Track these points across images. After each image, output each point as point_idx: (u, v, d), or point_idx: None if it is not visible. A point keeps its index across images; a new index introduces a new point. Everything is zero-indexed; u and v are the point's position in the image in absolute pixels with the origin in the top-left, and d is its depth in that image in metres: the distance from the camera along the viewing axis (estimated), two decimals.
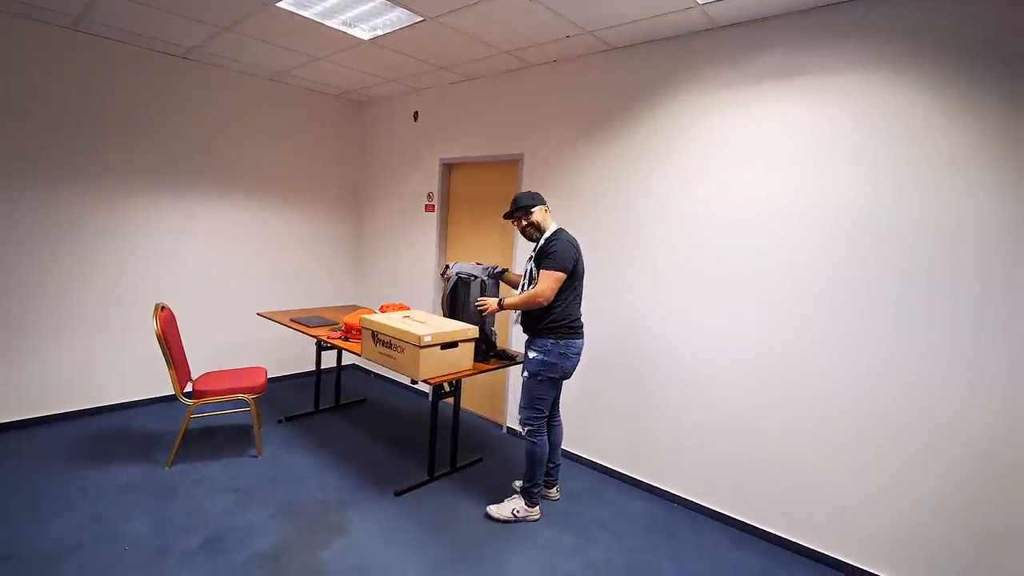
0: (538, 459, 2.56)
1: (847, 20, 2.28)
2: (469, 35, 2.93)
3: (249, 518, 2.49)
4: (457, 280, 2.93)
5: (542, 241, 2.52)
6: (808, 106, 2.39)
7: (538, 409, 2.54)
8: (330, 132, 4.61)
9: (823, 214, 2.36)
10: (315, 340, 3.59)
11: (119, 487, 2.69)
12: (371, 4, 2.61)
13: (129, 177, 3.55)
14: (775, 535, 2.54)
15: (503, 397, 3.75)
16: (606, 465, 3.17)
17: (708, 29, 2.66)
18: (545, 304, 2.44)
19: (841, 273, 2.33)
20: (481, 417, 3.97)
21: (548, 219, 2.58)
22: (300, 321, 3.42)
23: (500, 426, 3.79)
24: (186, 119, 3.76)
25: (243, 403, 3.08)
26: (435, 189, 4.12)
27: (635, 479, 3.04)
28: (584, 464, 3.24)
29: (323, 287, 4.71)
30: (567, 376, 2.56)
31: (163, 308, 2.92)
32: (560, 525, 2.59)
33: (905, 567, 2.21)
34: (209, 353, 3.95)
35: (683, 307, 2.82)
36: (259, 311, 3.87)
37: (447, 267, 3.03)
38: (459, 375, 2.65)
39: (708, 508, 2.76)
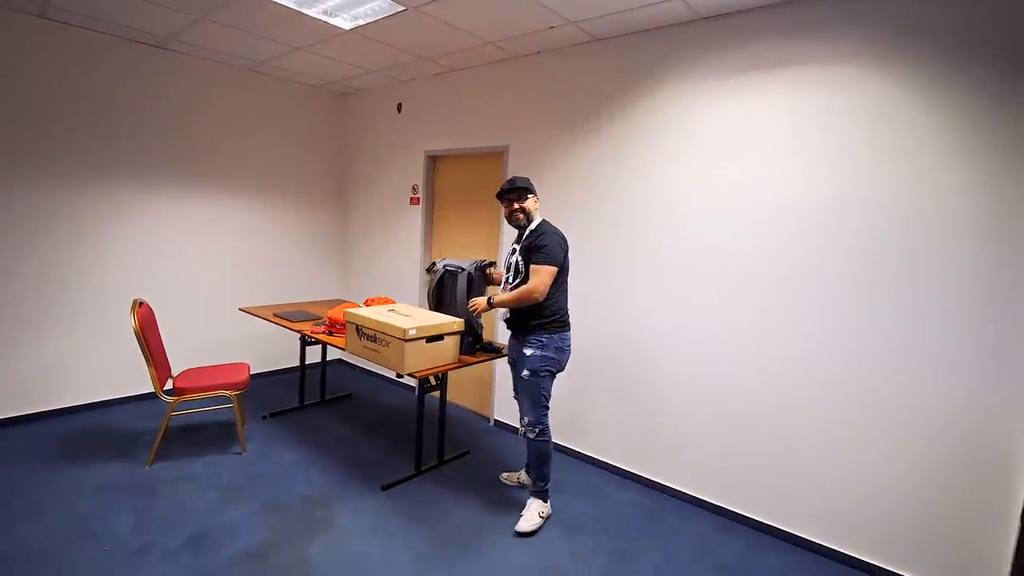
0: (549, 456, 2.53)
1: (827, 13, 2.30)
2: (452, 25, 2.90)
3: (233, 515, 2.46)
4: (444, 272, 2.91)
5: (527, 232, 2.47)
6: (789, 98, 2.41)
7: (544, 406, 2.48)
8: (313, 124, 4.54)
9: (803, 205, 2.39)
10: (299, 335, 3.55)
11: (98, 486, 2.64)
12: None
13: (104, 170, 3.46)
14: (759, 521, 2.59)
15: (490, 390, 3.75)
16: (594, 456, 3.19)
17: (691, 21, 2.66)
18: (540, 300, 2.36)
19: (819, 265, 2.36)
20: (468, 410, 3.97)
21: (538, 210, 2.53)
22: (283, 316, 3.38)
23: (487, 419, 3.79)
24: (163, 111, 3.67)
25: (226, 400, 3.03)
26: (420, 182, 4.09)
27: (622, 469, 3.07)
28: (571, 455, 3.26)
29: (307, 281, 4.66)
30: (561, 369, 2.52)
31: (141, 304, 2.85)
32: (552, 514, 2.61)
33: (883, 550, 2.28)
34: (190, 350, 3.89)
35: (669, 298, 2.84)
36: (241, 306, 3.82)
37: (433, 264, 3.01)
38: (445, 368, 2.64)
39: (694, 497, 2.79)
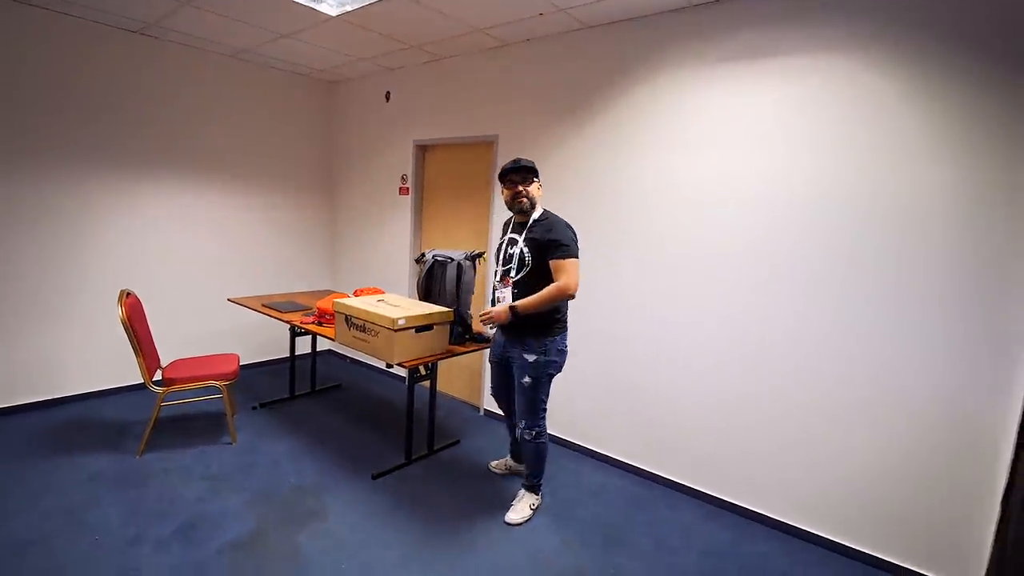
0: (545, 455, 2.52)
1: (815, 2, 2.29)
2: (440, 12, 2.87)
3: (224, 505, 2.47)
4: (433, 262, 2.91)
5: (532, 222, 2.31)
6: (777, 88, 2.40)
7: (543, 410, 2.42)
8: (300, 113, 4.49)
9: (788, 196, 2.40)
10: (288, 326, 3.54)
11: (88, 476, 2.63)
12: None
13: (88, 160, 3.41)
14: (746, 508, 2.63)
15: (480, 380, 3.76)
16: (584, 445, 3.22)
17: (681, 8, 2.64)
18: (574, 297, 2.24)
19: (802, 254, 2.38)
20: (458, 400, 3.98)
21: (541, 196, 2.40)
22: (272, 306, 3.37)
23: (477, 408, 3.81)
24: (146, 98, 3.61)
25: (215, 390, 3.03)
26: (409, 171, 4.06)
27: (612, 458, 3.10)
28: (561, 444, 3.29)
29: (296, 272, 4.63)
30: (559, 372, 2.44)
31: (128, 294, 2.83)
32: (541, 506, 2.64)
33: (867, 536, 2.33)
34: (179, 340, 3.87)
35: (656, 289, 2.85)
36: (230, 297, 3.79)
37: (423, 254, 3.00)
38: (434, 358, 2.65)
39: (683, 485, 2.83)
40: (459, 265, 2.83)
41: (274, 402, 3.71)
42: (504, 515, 2.49)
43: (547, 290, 2.22)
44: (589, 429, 3.20)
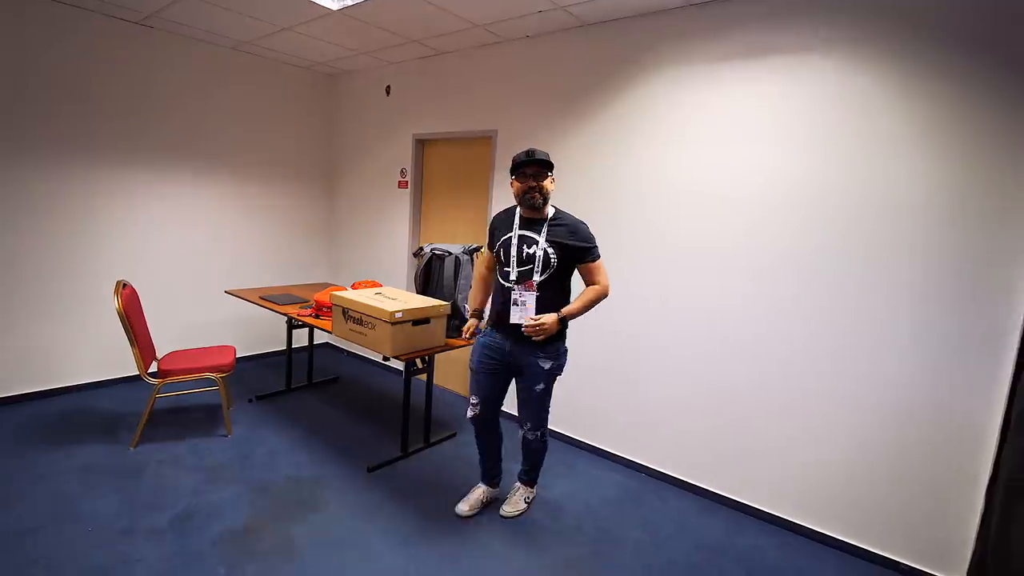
0: (545, 452, 2.49)
1: (811, 2, 2.30)
2: (441, 7, 2.87)
3: (219, 496, 2.47)
4: (431, 256, 2.92)
5: (550, 221, 2.18)
6: (772, 85, 2.42)
7: (548, 412, 2.37)
8: (300, 106, 4.48)
9: (780, 192, 2.42)
10: (286, 318, 3.54)
11: (83, 467, 2.63)
12: None
13: (87, 150, 3.40)
14: (739, 502, 2.65)
15: None
16: (577, 438, 3.24)
17: (680, 7, 2.65)
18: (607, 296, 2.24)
19: (796, 251, 2.40)
20: (454, 393, 3.99)
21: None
22: (270, 299, 3.36)
23: None
24: (146, 90, 3.60)
25: (211, 382, 3.02)
26: (408, 165, 4.07)
27: (606, 451, 3.11)
28: (555, 437, 3.30)
29: (294, 264, 4.63)
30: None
31: (125, 285, 2.83)
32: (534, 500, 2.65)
33: (857, 529, 2.35)
34: (176, 332, 3.86)
35: (651, 282, 2.87)
36: (227, 288, 3.79)
37: (421, 248, 3.01)
38: (431, 351, 2.66)
39: (676, 478, 2.85)
40: (457, 259, 2.83)
41: (270, 395, 3.71)
42: (500, 508, 2.50)
43: (591, 294, 2.19)
44: (583, 422, 3.21)
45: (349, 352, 4.76)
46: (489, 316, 2.37)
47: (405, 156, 4.09)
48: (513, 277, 2.18)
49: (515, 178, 2.18)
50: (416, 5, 2.85)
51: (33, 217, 3.26)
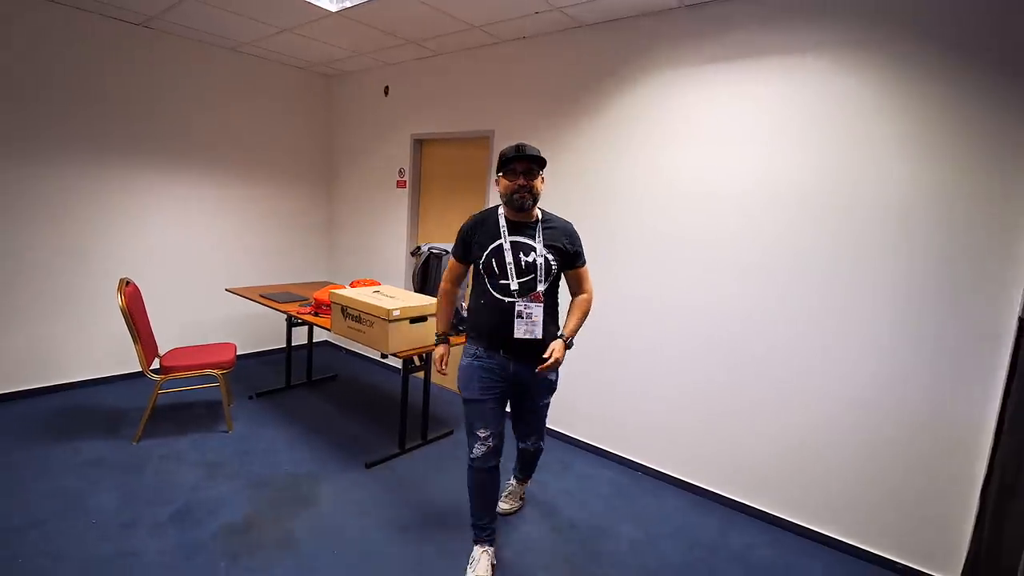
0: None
1: (803, 2, 2.33)
2: (438, 9, 2.90)
3: (219, 491, 2.51)
4: (429, 255, 2.95)
5: (541, 224, 2.02)
6: (767, 87, 2.45)
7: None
8: (300, 106, 4.52)
9: (773, 194, 2.45)
10: (285, 316, 3.58)
11: (85, 462, 2.67)
12: None
13: (89, 150, 3.44)
14: (733, 500, 2.68)
15: None
16: (572, 436, 3.27)
17: (674, 8, 2.68)
18: None
19: (789, 251, 2.43)
20: (452, 391, 4.03)
21: None
22: (270, 297, 3.41)
23: None
24: (148, 91, 3.64)
25: (212, 379, 3.07)
26: (407, 165, 4.10)
27: (601, 449, 3.15)
28: (552, 436, 3.34)
29: (293, 263, 4.67)
30: None
31: (128, 283, 2.87)
32: (527, 493, 2.69)
33: (851, 528, 2.38)
34: (177, 329, 3.91)
35: (645, 281, 2.90)
36: (228, 287, 3.83)
37: (419, 247, 3.05)
38: (429, 348, 2.69)
39: (671, 476, 2.88)
40: None
41: (270, 392, 3.75)
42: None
43: (585, 305, 2.10)
44: (579, 421, 3.24)
45: (348, 350, 4.81)
46: (475, 336, 2.08)
47: (403, 156, 4.12)
48: (514, 288, 1.95)
49: (503, 175, 1.97)
50: (414, 7, 2.89)
51: (38, 216, 3.30)
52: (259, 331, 4.47)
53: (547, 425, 3.27)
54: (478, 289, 2.05)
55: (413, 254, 3.08)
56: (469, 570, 2.07)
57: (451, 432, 3.33)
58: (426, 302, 2.66)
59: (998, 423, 2.00)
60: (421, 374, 3.03)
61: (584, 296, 2.10)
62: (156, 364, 2.98)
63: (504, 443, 2.10)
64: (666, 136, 2.77)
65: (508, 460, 2.28)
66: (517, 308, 1.94)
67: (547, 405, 2.21)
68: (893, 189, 2.18)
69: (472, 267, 2.06)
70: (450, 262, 2.16)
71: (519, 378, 2.04)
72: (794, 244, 2.43)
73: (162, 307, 3.75)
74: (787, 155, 2.42)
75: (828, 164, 2.32)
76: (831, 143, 2.31)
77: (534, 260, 1.96)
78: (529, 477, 2.59)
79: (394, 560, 2.14)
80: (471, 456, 2.06)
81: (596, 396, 3.15)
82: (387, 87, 4.21)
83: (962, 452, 2.11)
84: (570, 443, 3.28)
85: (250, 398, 3.63)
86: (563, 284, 2.13)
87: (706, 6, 2.60)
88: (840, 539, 2.39)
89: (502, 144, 3.44)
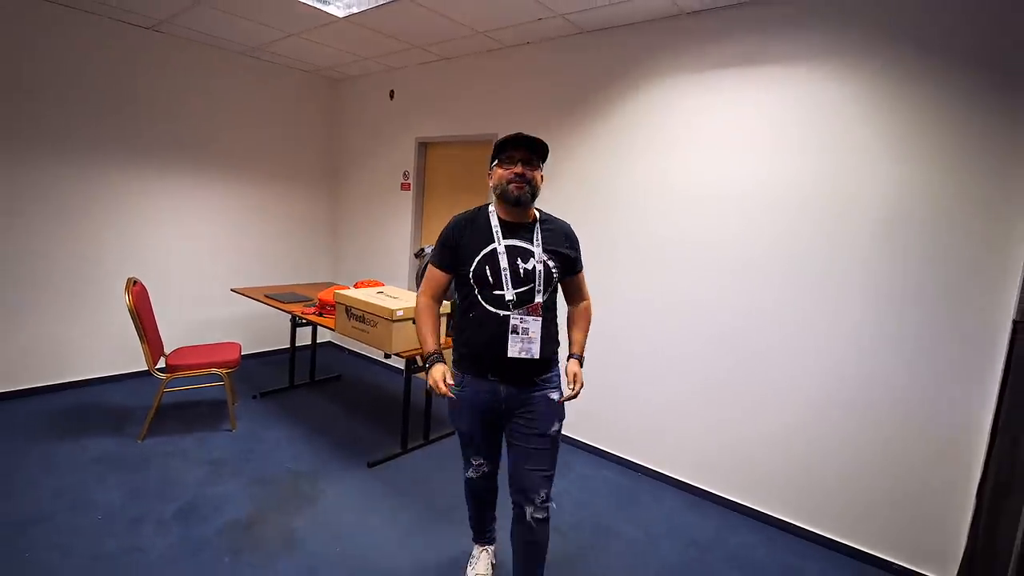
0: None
1: (802, 10, 2.37)
2: (443, 15, 2.95)
3: (223, 489, 2.55)
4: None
5: (541, 224, 1.76)
6: (766, 92, 2.48)
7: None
8: (306, 109, 4.58)
9: (771, 198, 2.48)
10: (290, 316, 3.62)
11: (91, 459, 2.71)
12: None
13: (98, 150, 3.50)
14: (730, 500, 2.70)
15: None
16: (574, 437, 3.29)
17: (675, 15, 2.72)
18: None
19: (785, 254, 2.46)
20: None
21: None
22: (274, 297, 3.45)
23: None
24: (157, 93, 3.70)
25: (217, 378, 3.11)
26: (411, 167, 4.15)
27: (601, 450, 3.17)
28: None
29: (298, 264, 4.72)
30: None
31: (135, 283, 2.91)
32: None
33: (847, 528, 2.40)
34: (183, 329, 3.95)
35: (645, 284, 2.93)
36: (233, 287, 3.88)
37: (422, 249, 3.08)
38: None
39: (669, 476, 2.90)
40: None
41: (274, 391, 3.79)
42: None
43: (588, 316, 1.91)
44: (579, 421, 3.26)
45: (351, 351, 4.84)
46: (460, 359, 1.79)
47: (408, 159, 4.17)
48: (510, 299, 1.66)
49: (497, 163, 1.70)
50: (419, 13, 2.93)
51: (47, 216, 3.35)
52: (263, 331, 4.51)
53: None
54: (464, 302, 1.74)
55: (417, 256, 3.11)
56: (469, 569, 2.09)
57: (453, 432, 3.36)
58: None
59: (993, 423, 2.03)
60: (423, 375, 3.05)
61: (585, 304, 1.91)
62: (162, 363, 3.02)
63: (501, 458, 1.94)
64: (668, 141, 2.80)
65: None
66: (512, 322, 1.66)
67: (557, 437, 1.78)
68: (889, 193, 2.21)
69: (456, 277, 1.76)
70: (428, 272, 1.81)
71: (510, 404, 1.73)
72: (792, 247, 2.46)
73: (168, 306, 3.79)
74: (786, 159, 2.45)
75: (825, 168, 2.34)
76: (828, 147, 2.33)
77: (533, 267, 1.67)
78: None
79: (395, 558, 2.16)
80: (466, 475, 1.99)
81: (598, 399, 3.17)
82: (392, 91, 4.26)
83: (958, 453, 2.12)
84: (571, 444, 3.30)
85: (254, 397, 3.66)
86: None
87: (705, 13, 2.64)
88: (837, 539, 2.41)
89: None
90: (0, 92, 3.09)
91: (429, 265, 1.82)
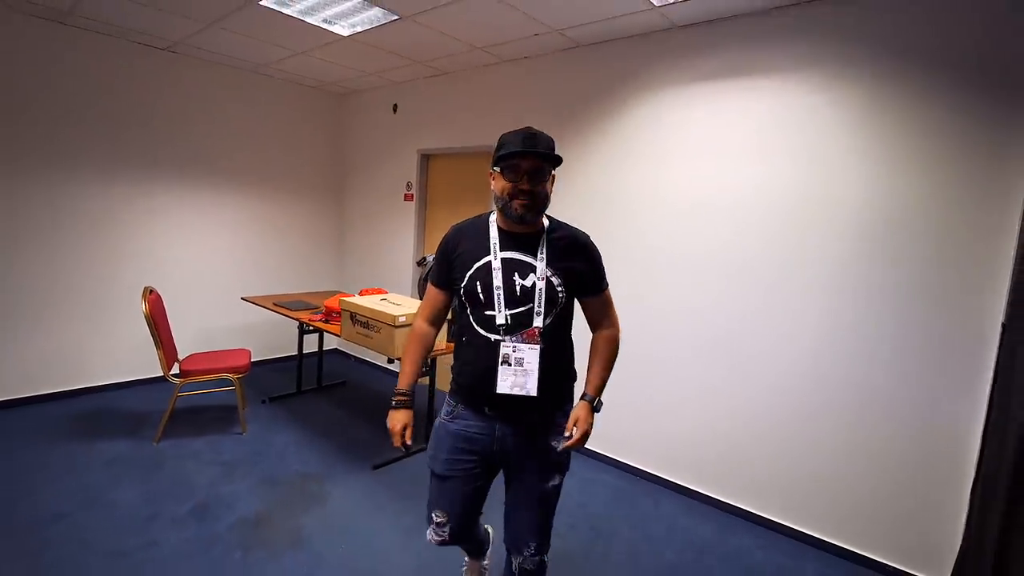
0: None
1: (787, 23, 2.46)
2: (443, 33, 3.07)
3: (234, 488, 2.65)
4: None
5: (550, 234, 1.51)
6: (757, 102, 2.56)
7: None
8: (312, 123, 4.73)
9: (763, 205, 2.55)
10: (297, 323, 3.73)
11: (108, 461, 2.83)
12: (349, 3, 2.74)
13: (115, 166, 3.66)
14: (729, 504, 2.74)
15: None
16: None
17: (667, 29, 2.82)
18: None
19: (783, 259, 2.53)
20: None
21: None
22: (283, 305, 3.57)
23: None
24: (170, 110, 3.86)
25: (228, 383, 3.22)
26: (414, 179, 4.27)
27: (600, 455, 3.23)
28: None
29: (305, 273, 4.85)
30: None
31: (151, 291, 3.05)
32: None
33: (843, 531, 2.45)
34: (195, 336, 4.08)
35: (641, 289, 3.00)
36: (244, 295, 4.01)
37: (424, 258, 3.19)
38: (433, 354, 2.82)
39: (668, 480, 2.95)
40: None
41: (282, 396, 3.90)
42: (495, 506, 2.61)
43: (611, 347, 1.57)
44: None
45: (356, 357, 4.95)
46: (455, 388, 1.57)
47: (411, 170, 4.29)
48: (501, 322, 1.43)
49: (500, 171, 1.45)
50: (420, 31, 3.06)
51: (68, 231, 3.51)
52: (272, 339, 4.64)
53: None
54: (460, 323, 1.54)
55: (419, 264, 3.22)
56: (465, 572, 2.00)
57: None
58: None
59: (985, 426, 2.04)
60: (426, 380, 3.14)
61: (609, 333, 1.57)
62: (176, 368, 3.14)
63: (477, 526, 1.71)
64: (660, 151, 2.89)
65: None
66: (502, 351, 1.42)
67: (557, 490, 1.57)
68: (873, 198, 2.27)
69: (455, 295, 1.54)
70: (427, 291, 1.62)
71: (506, 449, 1.50)
72: (784, 252, 2.52)
73: (182, 315, 3.93)
74: (774, 167, 2.52)
75: (812, 175, 2.42)
76: (816, 155, 2.41)
77: (533, 284, 1.43)
78: None
79: (397, 557, 2.24)
80: (427, 536, 1.63)
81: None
82: (395, 105, 4.40)
83: (952, 454, 2.15)
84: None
85: (263, 402, 3.78)
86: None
87: (695, 27, 2.73)
88: (833, 542, 2.44)
89: None
90: (13, 113, 3.25)
91: (428, 283, 1.62)
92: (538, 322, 1.43)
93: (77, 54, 3.42)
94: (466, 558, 1.95)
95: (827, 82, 2.37)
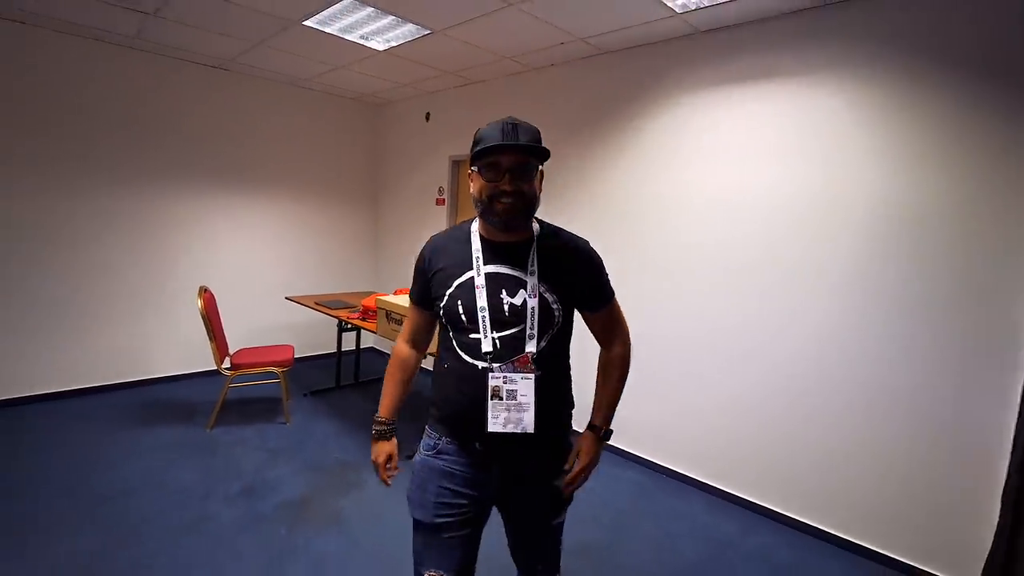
0: None
1: (809, 25, 2.49)
2: (472, 44, 3.23)
3: (279, 473, 2.85)
4: None
5: (538, 242, 1.29)
6: (777, 104, 2.60)
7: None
8: (350, 132, 4.99)
9: (783, 206, 2.58)
10: (337, 321, 3.95)
11: (167, 444, 3.09)
12: (385, 20, 2.93)
13: (175, 176, 3.98)
14: (750, 501, 2.76)
15: None
16: None
17: (690, 35, 2.89)
18: None
19: (803, 259, 2.55)
20: None
21: None
22: (323, 304, 3.79)
23: None
24: (222, 123, 4.17)
25: (273, 376, 3.45)
26: (445, 184, 4.45)
27: (624, 451, 3.29)
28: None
29: (344, 274, 5.11)
30: None
31: (205, 290, 3.31)
32: None
33: (868, 531, 2.44)
34: (242, 333, 4.36)
35: (665, 289, 3.06)
36: (287, 295, 4.27)
37: None
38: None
39: (691, 478, 2.99)
40: None
41: (322, 391, 4.13)
42: None
43: (621, 367, 1.42)
44: None
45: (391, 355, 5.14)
46: (435, 419, 1.38)
47: (442, 176, 4.47)
48: (488, 349, 1.23)
49: (477, 170, 1.24)
50: (451, 43, 3.23)
51: (132, 236, 3.85)
52: (313, 336, 4.90)
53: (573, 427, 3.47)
54: (441, 347, 1.35)
55: None
56: None
57: None
58: None
59: (1017, 428, 2.00)
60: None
61: (620, 352, 1.41)
62: (227, 362, 3.39)
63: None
64: (686, 154, 2.94)
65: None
66: (491, 382, 1.22)
67: (560, 525, 1.46)
68: (909, 198, 2.25)
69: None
70: (409, 309, 1.45)
71: (504, 489, 1.32)
72: (813, 256, 2.52)
73: (231, 312, 4.21)
74: (797, 168, 2.55)
75: (836, 176, 2.43)
76: (846, 155, 2.42)
77: (523, 302, 1.23)
78: None
79: None
80: None
81: (624, 404, 3.30)
82: (428, 113, 4.59)
83: (982, 457, 2.12)
84: None
85: (304, 395, 4.01)
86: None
87: (717, 32, 2.79)
88: (857, 542, 2.42)
89: None
90: (86, 127, 3.58)
91: (409, 302, 1.44)
92: (531, 347, 1.22)
93: (141, 74, 3.75)
94: None
95: (844, 84, 2.39)
